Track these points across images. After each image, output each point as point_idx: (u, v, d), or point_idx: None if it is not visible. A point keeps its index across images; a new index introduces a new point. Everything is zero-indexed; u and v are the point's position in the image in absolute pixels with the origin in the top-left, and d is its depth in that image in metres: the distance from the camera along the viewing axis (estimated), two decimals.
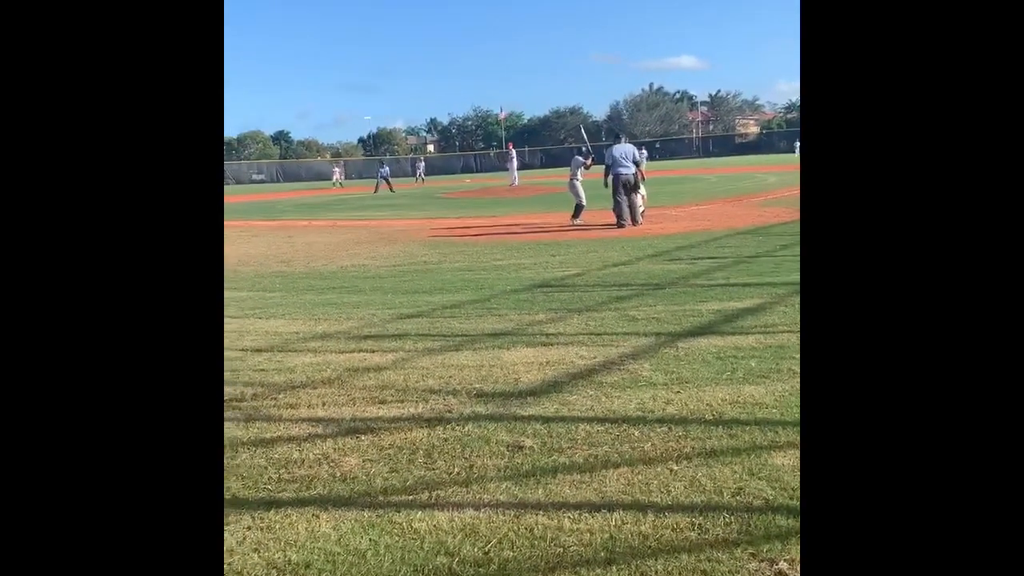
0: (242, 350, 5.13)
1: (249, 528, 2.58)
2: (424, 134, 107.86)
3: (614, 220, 12.32)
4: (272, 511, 2.69)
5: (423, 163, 47.25)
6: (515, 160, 32.77)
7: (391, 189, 33.34)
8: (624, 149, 12.44)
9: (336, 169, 49.83)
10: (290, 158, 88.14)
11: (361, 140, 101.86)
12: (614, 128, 70.72)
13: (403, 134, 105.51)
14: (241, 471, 3.06)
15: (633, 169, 12.19)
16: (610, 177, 12.36)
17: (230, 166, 69.78)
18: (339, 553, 2.38)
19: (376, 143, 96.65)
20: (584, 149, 14.10)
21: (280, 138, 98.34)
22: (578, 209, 13.44)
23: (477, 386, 4.04)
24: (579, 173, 13.56)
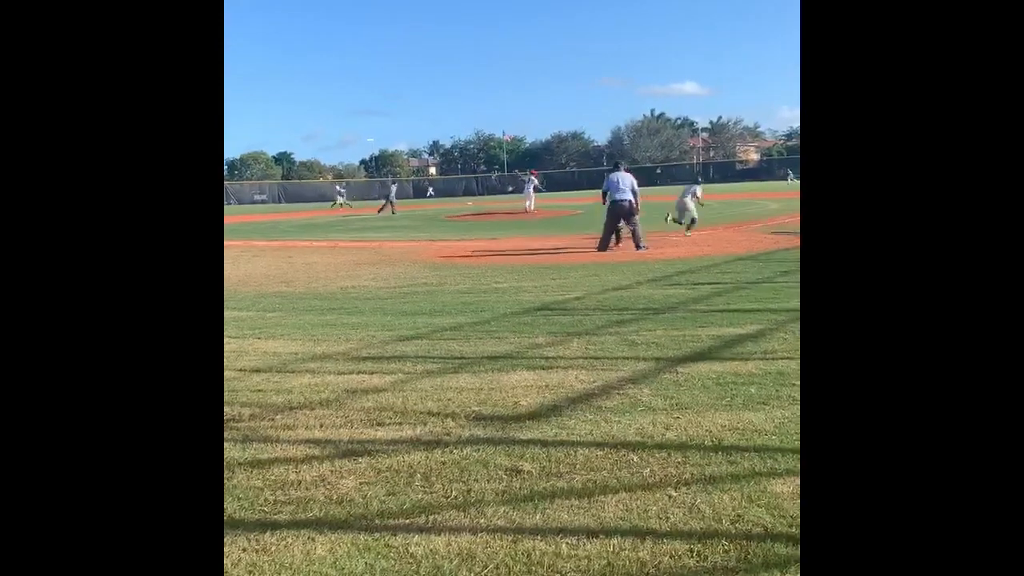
0: (240, 370, 5.12)
1: (244, 550, 2.55)
2: (426, 156, 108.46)
3: (630, 245, 12.59)
4: (268, 533, 2.67)
5: (394, 187, 39.27)
6: (533, 184, 30.90)
7: (392, 211, 33.32)
8: (623, 177, 12.63)
9: (340, 189, 49.55)
10: (292, 179, 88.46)
11: (363, 162, 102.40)
12: (614, 155, 71.20)
13: (405, 156, 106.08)
14: (237, 492, 3.04)
15: (629, 197, 12.42)
16: (607, 203, 12.55)
17: (232, 186, 70.09)
18: None
19: (379, 165, 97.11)
20: (700, 180, 17.50)
21: (282, 159, 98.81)
22: (692, 222, 15.08)
23: (476, 409, 4.02)
24: (690, 196, 15.29)
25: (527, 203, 28.95)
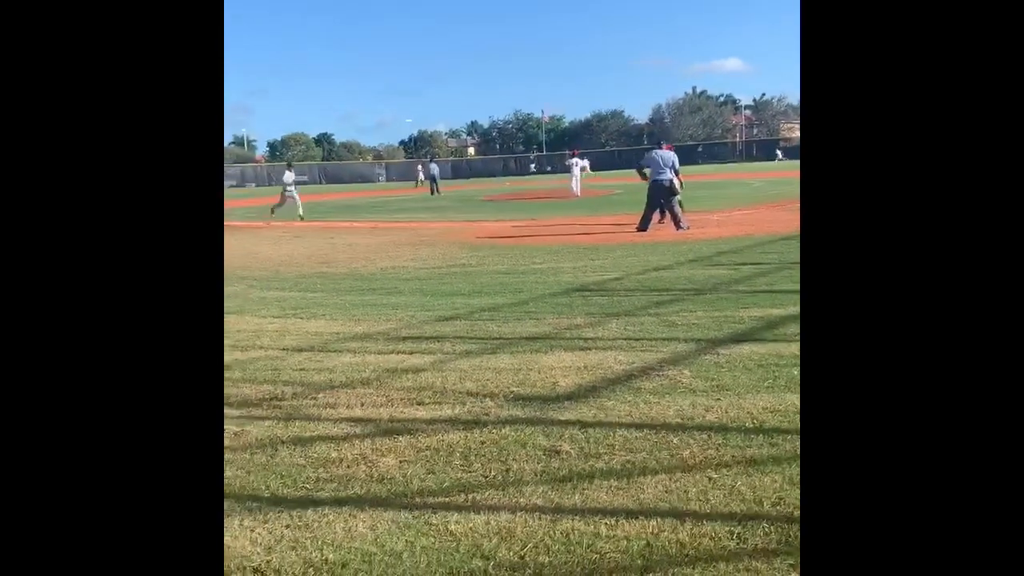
0: (283, 349, 5.20)
1: (288, 526, 2.60)
2: (465, 136, 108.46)
3: (671, 225, 12.38)
4: (310, 510, 2.71)
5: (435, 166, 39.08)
6: (579, 166, 27.18)
7: (435, 191, 33.30)
8: (664, 155, 12.40)
9: (419, 168, 49.16)
10: (332, 160, 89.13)
11: (402, 143, 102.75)
12: (655, 133, 70.48)
13: (444, 136, 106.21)
14: (280, 469, 3.09)
15: (669, 175, 12.17)
16: (649, 182, 12.41)
17: (274, 167, 70.81)
18: (375, 553, 2.40)
19: (418, 145, 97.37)
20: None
21: (323, 140, 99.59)
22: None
23: (514, 390, 4.03)
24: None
25: (573, 185, 26.02)
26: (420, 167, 49.78)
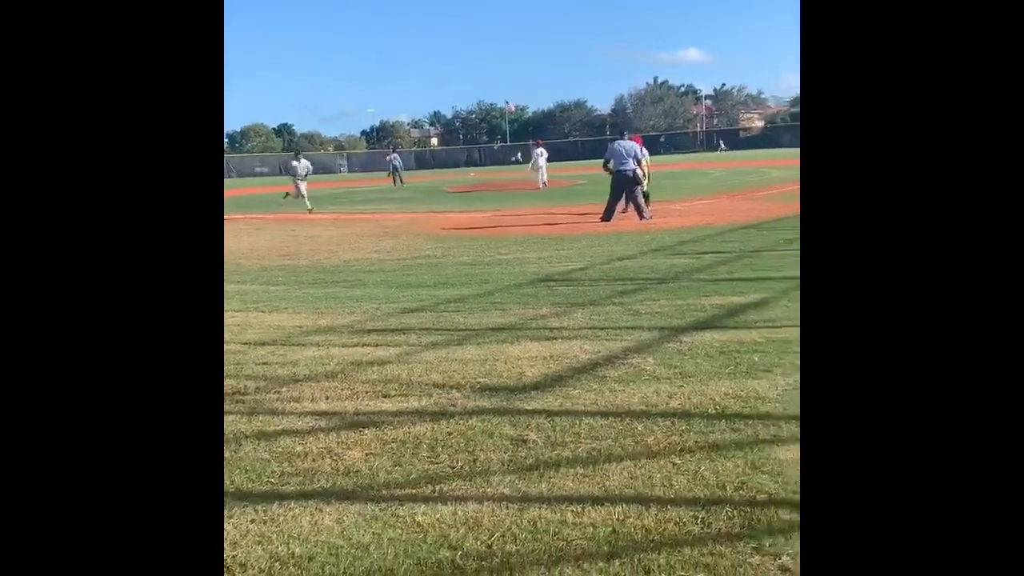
0: (245, 343, 5.14)
1: (253, 521, 2.58)
2: (428, 127, 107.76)
3: (634, 216, 12.47)
4: (276, 504, 2.69)
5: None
6: (543, 157, 25.91)
7: (398, 182, 33.00)
8: (625, 146, 12.44)
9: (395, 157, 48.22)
10: (293, 151, 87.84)
11: (364, 133, 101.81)
12: (618, 124, 70.80)
13: (407, 127, 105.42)
14: (245, 464, 3.07)
15: (632, 166, 12.20)
16: (612, 173, 12.47)
17: (232, 159, 69.68)
18: (342, 546, 2.39)
19: (380, 136, 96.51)
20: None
21: (283, 131, 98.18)
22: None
23: (481, 380, 4.04)
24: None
25: (539, 177, 25.17)
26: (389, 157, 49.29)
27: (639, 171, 12.29)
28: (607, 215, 12.50)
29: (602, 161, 12.95)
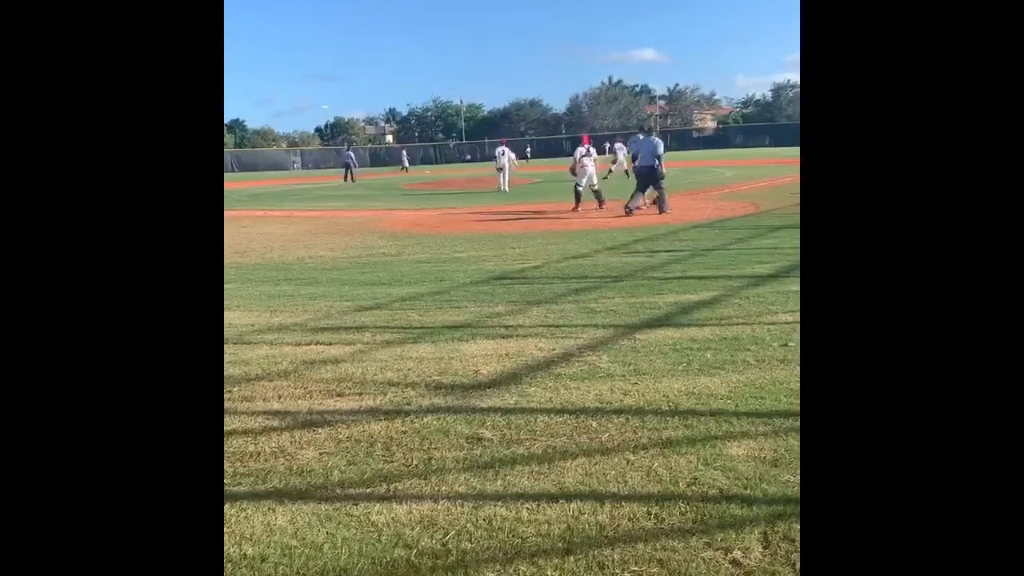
0: None
1: None
2: (383, 124, 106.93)
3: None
4: (228, 505, 2.65)
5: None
6: (508, 156, 23.00)
7: (350, 179, 32.73)
8: (643, 143, 13.72)
9: (404, 154, 48.96)
10: (245, 147, 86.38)
11: (318, 129, 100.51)
12: (573, 123, 71.14)
13: (362, 123, 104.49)
14: None
15: (651, 162, 13.17)
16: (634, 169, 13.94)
17: None
18: (296, 546, 2.36)
19: (334, 132, 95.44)
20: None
21: (234, 127, 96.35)
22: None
23: (436, 378, 4.02)
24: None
25: (500, 179, 22.48)
26: (405, 151, 51.17)
27: (661, 167, 13.23)
28: (627, 207, 13.16)
29: (629, 149, 15.08)
